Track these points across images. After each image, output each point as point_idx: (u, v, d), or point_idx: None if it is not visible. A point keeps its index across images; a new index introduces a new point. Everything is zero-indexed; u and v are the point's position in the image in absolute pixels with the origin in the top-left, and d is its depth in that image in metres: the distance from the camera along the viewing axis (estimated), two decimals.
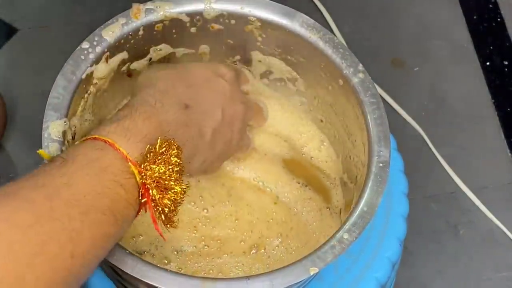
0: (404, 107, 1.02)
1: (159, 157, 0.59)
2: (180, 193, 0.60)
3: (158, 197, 0.58)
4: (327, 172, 0.77)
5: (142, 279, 0.59)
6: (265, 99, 0.79)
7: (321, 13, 1.07)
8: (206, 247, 0.73)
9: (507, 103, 1.04)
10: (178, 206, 0.60)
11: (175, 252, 0.72)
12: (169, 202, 0.59)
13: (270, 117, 0.79)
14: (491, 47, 1.08)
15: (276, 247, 0.73)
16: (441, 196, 0.97)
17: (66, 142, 0.64)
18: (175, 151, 0.60)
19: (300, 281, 0.62)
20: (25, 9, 1.05)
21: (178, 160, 0.60)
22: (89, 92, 0.68)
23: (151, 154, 0.59)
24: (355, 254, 0.73)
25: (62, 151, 0.63)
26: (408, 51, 1.07)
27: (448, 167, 0.98)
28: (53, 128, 0.63)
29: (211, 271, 0.71)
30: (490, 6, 1.11)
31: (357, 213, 0.63)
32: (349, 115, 0.71)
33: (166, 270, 0.60)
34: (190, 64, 0.72)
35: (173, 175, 0.59)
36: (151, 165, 0.58)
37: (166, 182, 0.59)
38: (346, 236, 0.61)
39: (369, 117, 0.68)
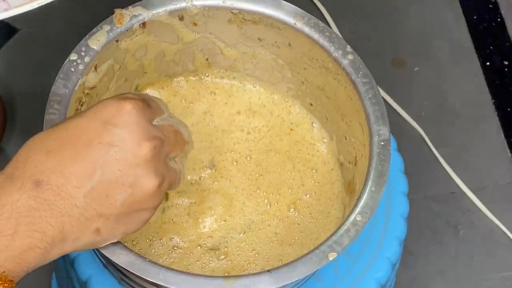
0: (404, 107, 1.02)
1: None
2: None
3: None
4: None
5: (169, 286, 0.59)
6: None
7: (321, 13, 1.07)
8: None
9: (507, 103, 1.04)
10: None
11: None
12: None
13: (258, 102, 0.78)
14: (491, 47, 1.08)
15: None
16: (441, 196, 0.98)
17: None
18: None
19: (300, 279, 0.62)
20: None
21: None
22: (81, 103, 0.68)
23: None
24: (355, 255, 0.73)
25: None
26: (408, 51, 1.07)
27: (448, 167, 0.99)
28: None
29: None
30: (490, 6, 1.11)
31: (366, 194, 0.64)
32: (341, 97, 0.72)
33: (188, 273, 0.59)
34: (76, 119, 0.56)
35: None
36: None
37: None
38: (359, 218, 0.62)
39: (364, 98, 0.68)
